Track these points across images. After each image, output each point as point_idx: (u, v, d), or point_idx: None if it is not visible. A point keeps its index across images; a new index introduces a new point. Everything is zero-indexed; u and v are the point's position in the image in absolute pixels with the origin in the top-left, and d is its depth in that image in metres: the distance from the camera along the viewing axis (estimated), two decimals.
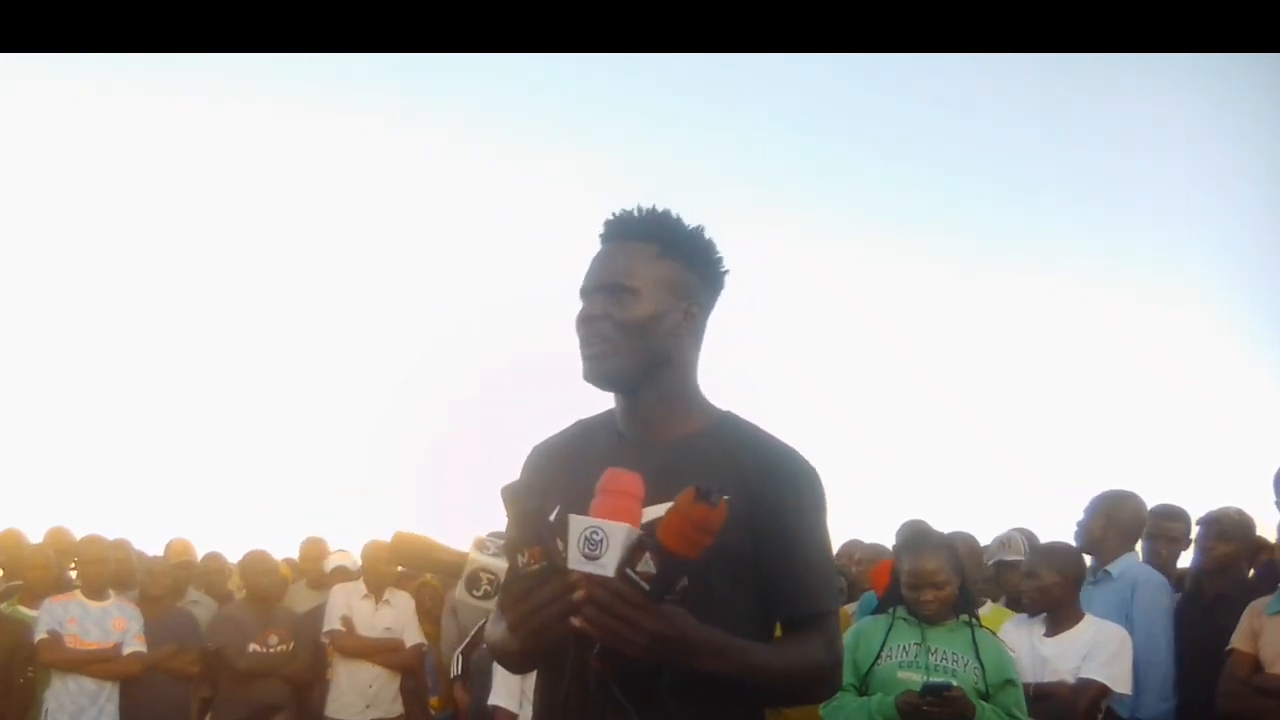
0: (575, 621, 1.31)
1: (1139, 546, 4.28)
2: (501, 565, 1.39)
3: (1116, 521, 4.15)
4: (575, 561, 1.32)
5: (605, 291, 1.59)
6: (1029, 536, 4.65)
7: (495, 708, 4.05)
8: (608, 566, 1.30)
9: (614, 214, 1.64)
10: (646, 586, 1.30)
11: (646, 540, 1.31)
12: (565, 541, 1.33)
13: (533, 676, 1.68)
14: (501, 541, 1.42)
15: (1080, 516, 4.25)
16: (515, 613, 1.37)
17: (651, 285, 1.58)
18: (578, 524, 1.32)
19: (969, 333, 9.82)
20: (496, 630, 1.60)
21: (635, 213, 1.63)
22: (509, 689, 3.98)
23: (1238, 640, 3.50)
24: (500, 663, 1.74)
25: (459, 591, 1.43)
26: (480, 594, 1.41)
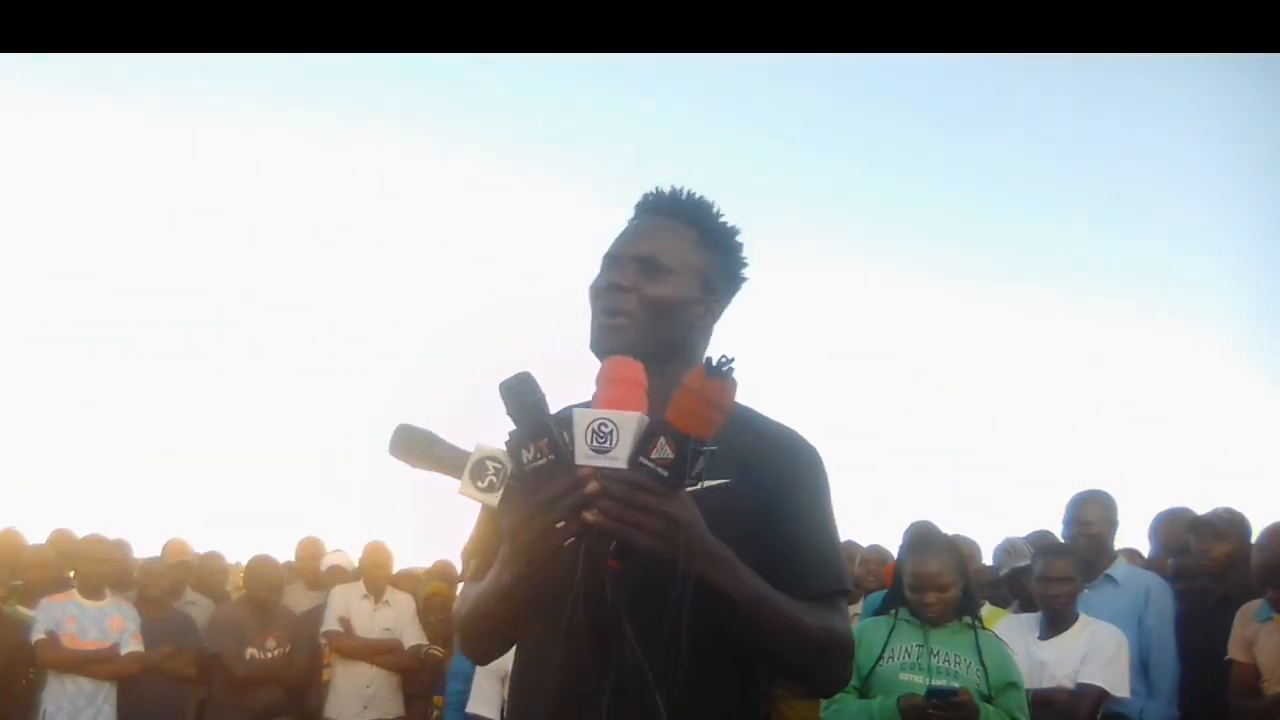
0: (589, 516, 1.22)
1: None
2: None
3: (1115, 524, 4.13)
4: (583, 456, 1.23)
5: (639, 263, 1.51)
6: (1039, 537, 4.62)
7: (474, 716, 4.04)
8: (619, 459, 1.22)
9: (659, 189, 1.58)
10: (664, 473, 1.21)
11: (659, 425, 1.22)
12: (571, 436, 1.24)
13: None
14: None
15: (1071, 520, 4.17)
16: (523, 510, 1.28)
17: (685, 270, 1.52)
18: (584, 417, 1.23)
19: (967, 334, 9.82)
20: (471, 591, 1.52)
21: (683, 194, 1.57)
22: (488, 696, 3.97)
23: (1234, 650, 3.44)
24: (472, 632, 1.56)
25: (463, 486, 1.32)
26: (485, 485, 1.29)
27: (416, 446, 1.37)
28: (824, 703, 3.27)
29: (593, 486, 1.22)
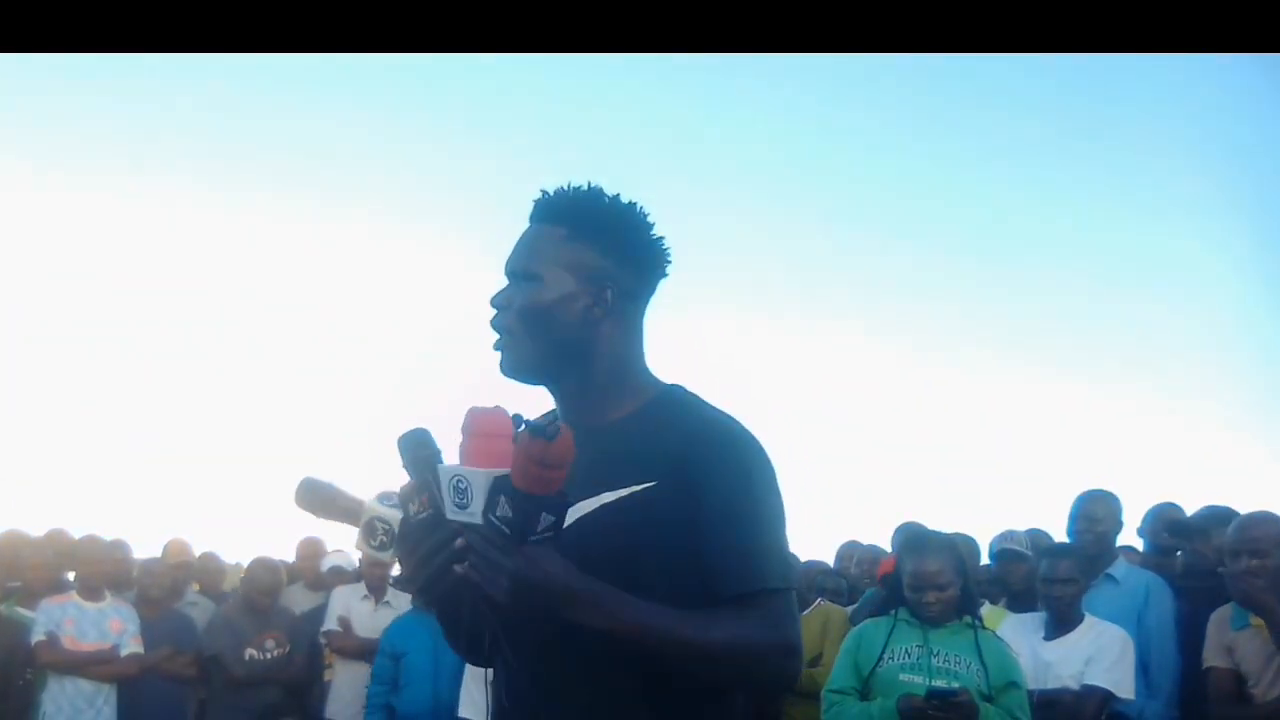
0: (458, 569, 1.30)
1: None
2: (397, 515, 1.36)
3: (1120, 523, 4.13)
4: (450, 511, 1.29)
5: (512, 279, 1.51)
6: (1036, 536, 4.62)
7: None
8: (475, 514, 1.27)
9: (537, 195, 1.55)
10: (507, 530, 1.26)
11: (500, 484, 1.26)
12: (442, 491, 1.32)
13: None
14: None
15: (1078, 517, 4.16)
16: (407, 565, 1.36)
17: (555, 270, 1.48)
18: (446, 473, 1.30)
19: (967, 334, 9.82)
20: None
21: (550, 193, 1.53)
22: (475, 701, 3.97)
23: (1213, 657, 3.36)
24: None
25: (358, 543, 1.42)
26: (377, 544, 1.39)
27: (318, 499, 1.44)
28: (824, 706, 3.26)
29: (459, 542, 1.29)
